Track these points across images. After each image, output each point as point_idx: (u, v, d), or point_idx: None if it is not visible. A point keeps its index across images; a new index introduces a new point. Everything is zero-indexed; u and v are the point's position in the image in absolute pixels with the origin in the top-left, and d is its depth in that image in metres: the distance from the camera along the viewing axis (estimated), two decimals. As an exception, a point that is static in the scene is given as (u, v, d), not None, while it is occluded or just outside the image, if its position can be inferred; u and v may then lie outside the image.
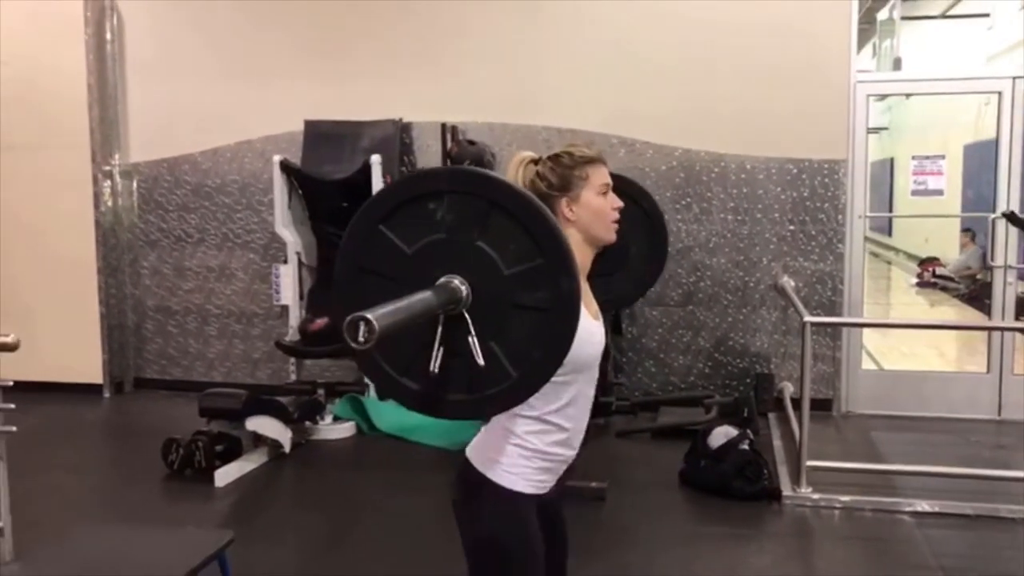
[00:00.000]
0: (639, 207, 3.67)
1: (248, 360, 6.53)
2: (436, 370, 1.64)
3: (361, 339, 1.39)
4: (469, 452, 2.02)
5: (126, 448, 5.56)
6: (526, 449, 1.95)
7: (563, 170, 2.04)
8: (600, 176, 2.06)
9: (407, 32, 6.12)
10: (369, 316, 1.39)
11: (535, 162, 2.07)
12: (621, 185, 3.59)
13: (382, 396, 5.55)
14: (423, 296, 1.58)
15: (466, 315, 1.63)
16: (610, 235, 2.08)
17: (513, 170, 2.07)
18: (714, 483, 4.43)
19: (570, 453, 2.02)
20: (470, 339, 1.63)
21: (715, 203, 5.89)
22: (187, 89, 6.42)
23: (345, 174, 5.74)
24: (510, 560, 1.95)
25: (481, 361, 1.63)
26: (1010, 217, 2.43)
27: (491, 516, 1.96)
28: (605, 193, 2.06)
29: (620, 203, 2.09)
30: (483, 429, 2.03)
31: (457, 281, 1.64)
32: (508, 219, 1.64)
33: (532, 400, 1.82)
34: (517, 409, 1.91)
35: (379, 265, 1.71)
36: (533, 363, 1.66)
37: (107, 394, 6.53)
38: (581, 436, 2.04)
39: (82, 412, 6.16)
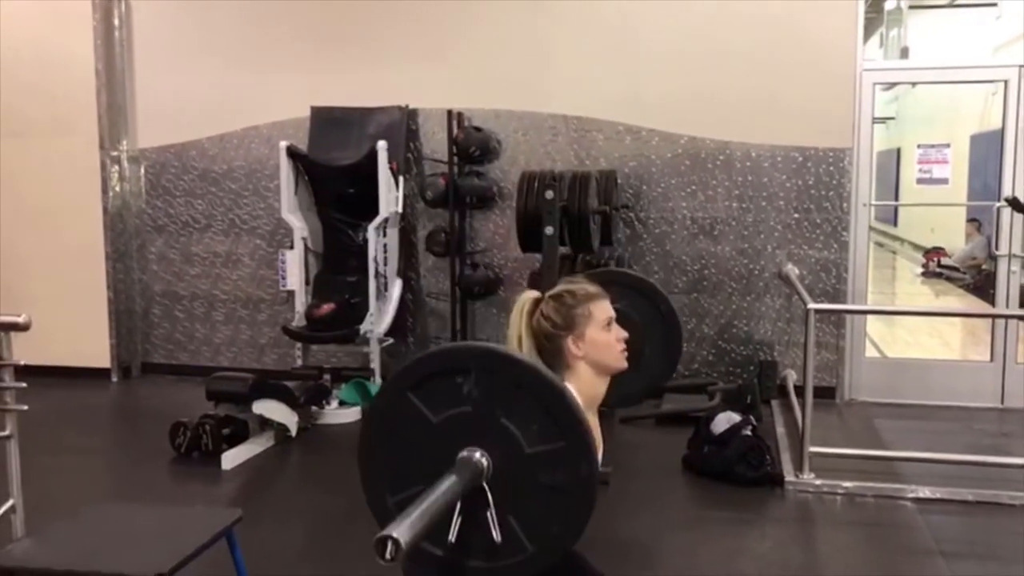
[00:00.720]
0: (654, 307, 3.61)
1: (254, 345, 6.57)
2: (453, 540, 1.69)
3: (388, 557, 1.43)
4: None
5: (134, 431, 5.61)
6: None
7: (566, 310, 2.10)
8: (603, 311, 2.13)
9: (413, 18, 6.13)
10: (396, 535, 1.43)
11: (539, 302, 2.14)
12: (635, 285, 3.60)
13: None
14: (449, 487, 1.61)
15: (487, 488, 1.69)
16: (621, 364, 2.15)
17: (517, 312, 2.14)
18: (717, 468, 4.46)
19: None
20: (488, 514, 1.69)
21: (720, 190, 5.91)
22: (194, 75, 6.45)
23: (351, 160, 5.78)
24: None
25: (498, 538, 1.69)
26: (1012, 202, 2.44)
27: None
28: (609, 326, 2.12)
29: (625, 334, 2.15)
30: None
31: (479, 454, 1.69)
32: (533, 400, 1.70)
33: None
34: None
35: (404, 430, 1.76)
36: (550, 538, 1.72)
37: (115, 378, 6.58)
38: None
39: (90, 396, 6.21)
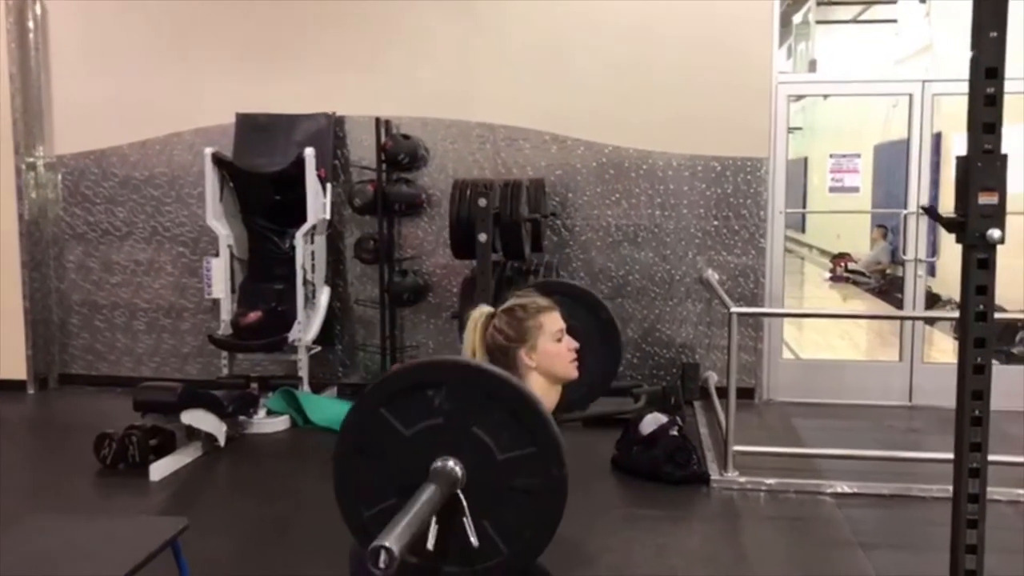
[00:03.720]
0: (595, 317, 3.73)
1: (178, 355, 6.47)
2: (431, 547, 1.74)
3: (382, 566, 1.48)
4: None
5: (54, 444, 5.46)
6: None
7: (518, 323, 2.20)
8: (553, 323, 2.22)
9: (341, 26, 6.13)
10: (388, 544, 1.48)
11: (492, 316, 2.22)
12: (577, 295, 3.71)
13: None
14: (430, 495, 1.67)
15: (461, 496, 1.75)
16: (572, 372, 2.25)
17: (472, 327, 2.23)
18: (645, 468, 4.59)
19: None
20: (464, 520, 1.75)
21: (643, 199, 6.06)
22: (114, 80, 6.33)
23: (278, 167, 5.75)
24: None
25: (475, 542, 1.75)
26: (928, 211, 2.59)
27: None
28: (560, 338, 2.22)
29: (575, 344, 2.25)
30: None
31: (452, 463, 1.75)
32: (503, 409, 1.77)
33: None
34: None
35: (377, 446, 1.82)
36: (524, 541, 1.79)
37: (31, 390, 6.41)
38: None
39: (5, 409, 6.01)
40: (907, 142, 5.98)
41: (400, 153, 5.92)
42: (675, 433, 4.67)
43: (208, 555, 3.64)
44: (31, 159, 6.36)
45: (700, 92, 5.90)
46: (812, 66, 11.81)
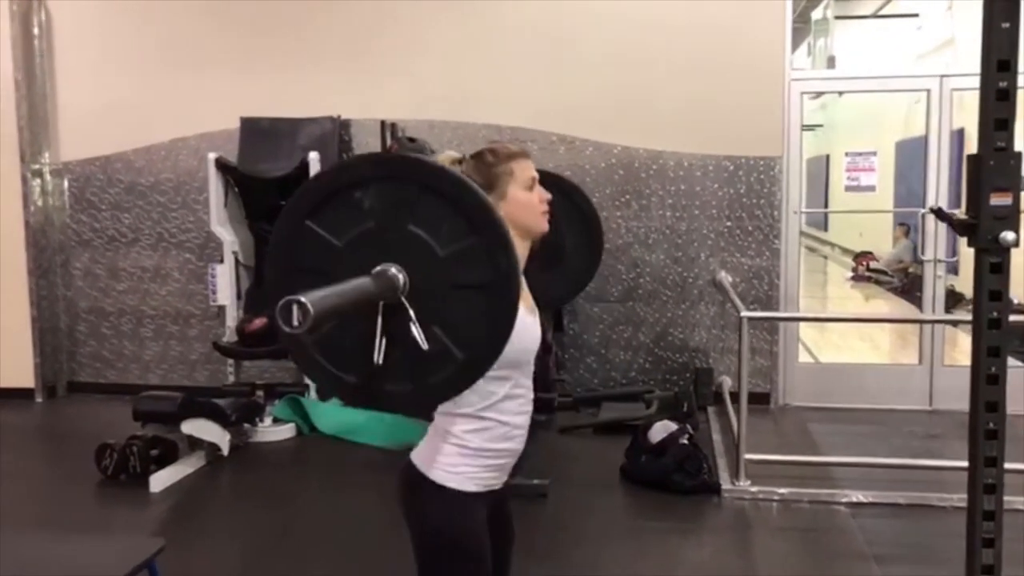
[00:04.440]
0: (572, 203, 3.65)
1: (185, 362, 6.42)
2: (380, 361, 1.60)
3: (295, 323, 1.34)
4: (413, 456, 2.00)
5: (58, 454, 5.42)
6: (466, 448, 1.93)
7: (487, 168, 2.03)
8: (524, 170, 2.05)
9: (346, 29, 6.06)
10: (303, 299, 1.34)
11: (459, 162, 2.05)
12: (553, 181, 3.60)
13: (323, 396, 5.50)
14: (358, 281, 1.54)
15: (405, 302, 1.60)
16: (542, 225, 2.08)
17: None
18: (655, 477, 4.47)
19: (515, 447, 2.00)
20: (412, 326, 1.59)
21: (654, 200, 5.94)
22: (119, 86, 6.28)
23: (283, 172, 5.68)
24: (456, 557, 1.94)
25: (425, 345, 1.59)
26: (937, 212, 2.47)
27: (435, 515, 1.94)
28: (532, 187, 2.06)
29: (548, 195, 2.08)
30: (427, 434, 2.01)
31: (394, 269, 1.59)
32: (439, 201, 1.61)
33: (467, 396, 1.82)
34: (453, 408, 1.90)
35: (310, 262, 1.66)
36: (478, 342, 1.63)
37: (39, 399, 6.38)
38: (525, 430, 2.03)
39: (12, 417, 5.99)
40: (925, 139, 5.82)
41: (406, 156, 5.82)
42: (685, 441, 4.55)
43: (200, 572, 3.57)
44: (37, 166, 6.33)
45: (712, 90, 5.77)
46: (831, 62, 11.65)
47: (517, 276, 1.65)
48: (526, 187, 2.04)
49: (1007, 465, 4.16)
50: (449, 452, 1.93)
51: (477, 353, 1.63)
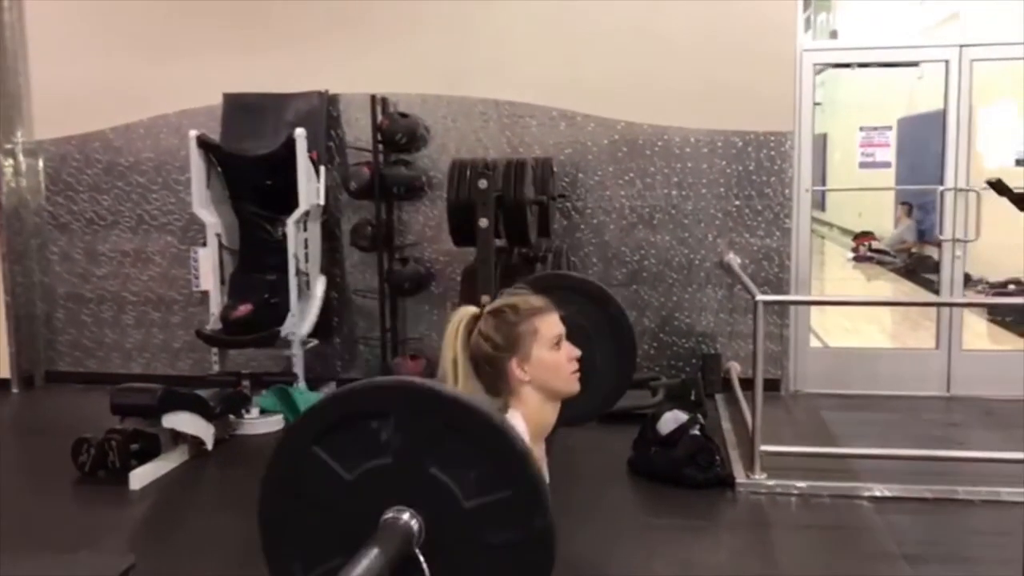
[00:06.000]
0: (603, 312, 3.20)
1: (168, 350, 6.14)
2: None
3: None
4: None
5: (33, 449, 5.15)
6: None
7: (508, 327, 1.82)
8: (550, 327, 1.84)
9: (333, -2, 5.75)
10: None
11: (477, 318, 1.84)
12: (584, 288, 3.21)
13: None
14: (370, 563, 1.29)
15: (419, 554, 1.37)
16: (572, 387, 1.87)
17: (452, 331, 1.85)
18: (665, 471, 4.22)
19: None
20: None
21: (658, 178, 5.67)
22: (95, 61, 5.96)
23: (268, 149, 5.41)
24: None
25: None
26: (995, 184, 2.23)
27: None
28: (558, 344, 1.84)
29: (577, 352, 1.87)
30: None
31: (407, 516, 1.38)
32: (468, 443, 1.38)
33: None
34: None
35: (313, 493, 1.45)
36: None
37: (15, 389, 6.10)
38: None
39: (-14, 409, 5.73)
40: (943, 113, 5.55)
41: (398, 133, 5.54)
42: (696, 432, 4.29)
43: (188, 569, 3.33)
44: (9, 145, 6.03)
45: (719, 63, 5.48)
46: (834, 36, 11.37)
47: (553, 539, 1.40)
48: (552, 345, 1.84)
49: (1012, 455, 3.93)
50: None
51: None
